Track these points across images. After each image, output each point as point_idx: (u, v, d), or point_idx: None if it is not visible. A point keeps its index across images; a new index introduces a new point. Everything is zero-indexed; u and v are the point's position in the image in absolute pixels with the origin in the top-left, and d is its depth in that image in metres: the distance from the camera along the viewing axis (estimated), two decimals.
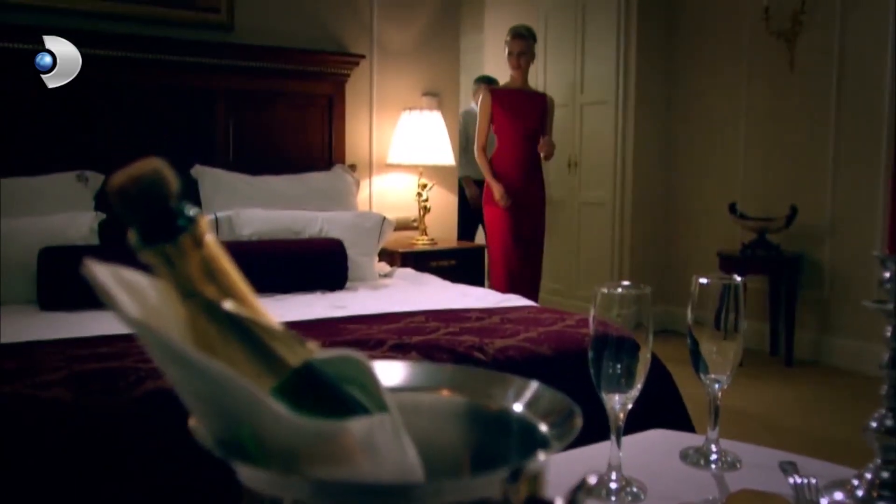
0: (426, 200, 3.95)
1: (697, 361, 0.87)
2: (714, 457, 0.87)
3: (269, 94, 3.71)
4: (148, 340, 0.37)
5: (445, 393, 0.52)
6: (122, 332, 1.94)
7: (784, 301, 4.39)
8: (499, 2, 6.27)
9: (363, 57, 3.96)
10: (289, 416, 0.37)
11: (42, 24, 3.13)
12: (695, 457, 0.88)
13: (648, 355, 0.78)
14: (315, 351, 0.42)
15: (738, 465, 0.86)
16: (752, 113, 4.74)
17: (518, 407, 0.50)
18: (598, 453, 0.83)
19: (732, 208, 4.55)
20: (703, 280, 0.85)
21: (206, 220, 0.42)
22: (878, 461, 0.74)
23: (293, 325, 1.61)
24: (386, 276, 3.31)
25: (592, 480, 0.43)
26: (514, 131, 4.09)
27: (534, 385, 0.51)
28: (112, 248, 2.69)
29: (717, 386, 0.87)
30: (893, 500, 0.73)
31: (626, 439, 0.94)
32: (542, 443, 0.47)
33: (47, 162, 3.12)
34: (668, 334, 5.13)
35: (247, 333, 0.39)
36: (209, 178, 3.30)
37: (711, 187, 4.95)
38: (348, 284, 2.99)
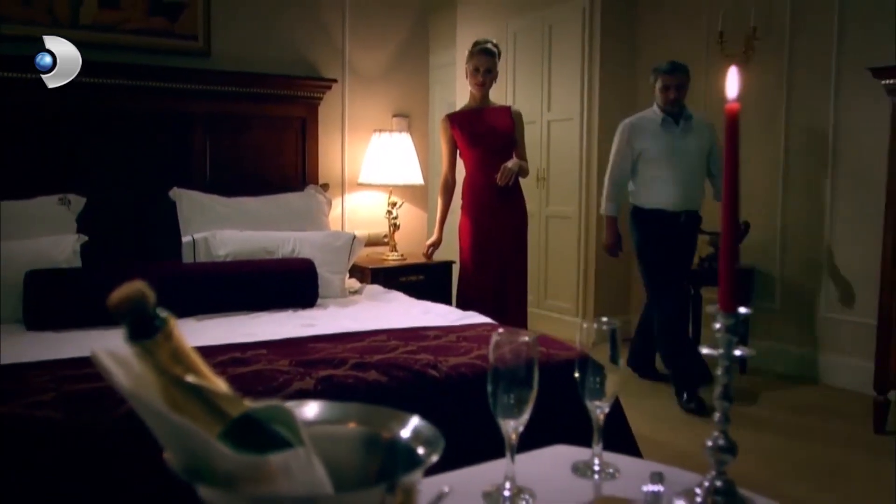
0: (396, 218, 4.14)
1: (584, 389, 1.06)
2: (597, 468, 1.06)
3: (245, 117, 3.88)
4: (135, 402, 0.56)
5: (352, 425, 0.72)
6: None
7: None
8: (470, 20, 6.47)
9: (335, 81, 4.14)
10: (229, 453, 0.55)
11: (23, 54, 3.28)
12: (582, 469, 1.07)
13: (534, 390, 0.97)
14: (250, 404, 0.61)
15: (617, 476, 1.06)
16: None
17: (403, 435, 0.69)
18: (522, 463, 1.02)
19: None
20: (585, 325, 1.05)
21: (174, 320, 0.60)
22: (714, 473, 0.94)
23: (265, 345, 1.83)
24: (355, 292, 3.49)
25: (446, 489, 0.62)
26: (479, 152, 3.87)
27: (415, 419, 0.70)
28: (93, 270, 2.88)
29: (598, 410, 1.06)
30: (726, 502, 0.92)
31: (532, 454, 1.13)
32: (417, 463, 0.66)
33: (30, 186, 3.26)
34: (629, 343, 5.36)
35: (202, 396, 0.58)
36: (186, 200, 3.46)
37: None
38: (319, 301, 3.17)
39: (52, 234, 3.06)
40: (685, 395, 3.89)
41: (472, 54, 3.92)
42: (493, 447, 1.03)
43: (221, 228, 3.34)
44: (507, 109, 4.06)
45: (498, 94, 5.49)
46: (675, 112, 4.01)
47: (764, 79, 4.63)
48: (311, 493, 0.60)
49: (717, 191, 4.13)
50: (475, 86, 3.94)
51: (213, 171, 3.78)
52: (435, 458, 0.65)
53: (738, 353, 0.90)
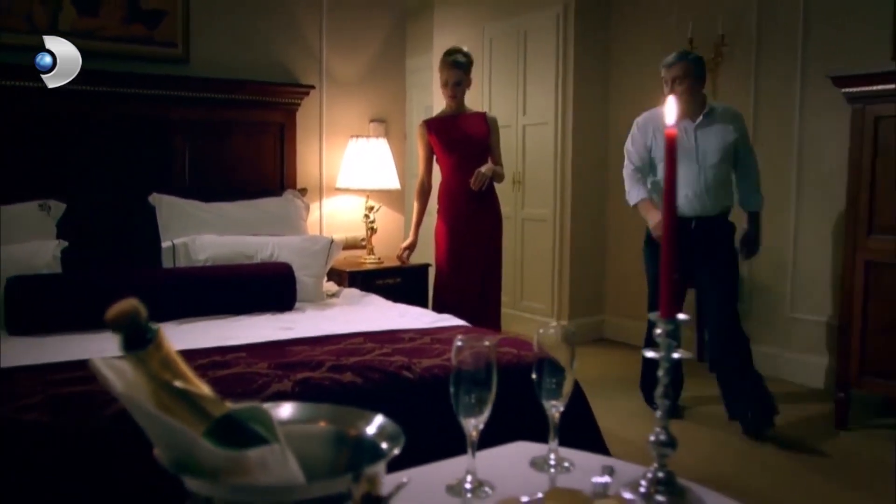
0: (373, 222, 4.21)
1: (540, 390, 1.15)
2: (552, 463, 1.15)
3: (224, 123, 3.94)
4: (129, 405, 0.64)
5: (322, 424, 0.80)
6: (85, 358, 2.19)
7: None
8: (446, 25, 6.56)
9: (313, 87, 4.21)
10: (212, 449, 0.63)
11: (3, 62, 3.32)
12: (539, 463, 1.16)
13: (495, 391, 1.06)
14: (231, 406, 0.68)
15: (571, 469, 1.14)
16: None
17: (369, 432, 0.78)
18: (485, 459, 1.10)
19: None
20: (541, 330, 1.14)
21: (163, 333, 0.68)
22: (656, 465, 1.03)
23: (244, 348, 1.91)
24: (333, 295, 3.56)
25: (405, 480, 0.71)
26: (455, 158, 3.92)
27: (380, 417, 0.78)
28: (74, 276, 2.93)
29: (554, 409, 1.15)
30: (666, 493, 1.01)
31: (494, 450, 1.22)
32: (380, 456, 0.74)
33: (10, 192, 3.29)
34: (604, 343, 5.48)
35: (188, 399, 0.66)
36: (166, 205, 3.51)
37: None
38: (297, 305, 3.23)
39: (32, 240, 3.09)
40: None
41: (442, 66, 3.97)
42: (463, 444, 1.11)
43: (201, 233, 3.40)
44: (482, 116, 4.10)
45: (474, 99, 5.59)
46: (688, 109, 3.58)
47: (732, 84, 4.75)
48: (285, 483, 0.68)
49: (740, 196, 3.74)
50: (447, 97, 4.01)
51: (192, 177, 3.83)
52: (397, 452, 0.73)
53: (676, 355, 0.99)
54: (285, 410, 0.80)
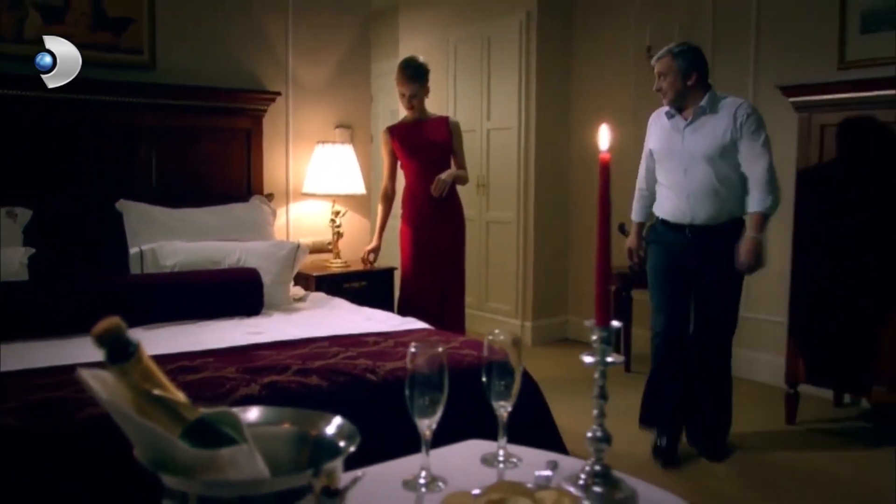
0: (339, 226, 4.29)
1: (489, 391, 1.24)
2: (501, 459, 1.25)
3: (190, 129, 3.98)
4: (112, 411, 0.72)
5: (287, 426, 0.88)
6: (54, 364, 2.23)
7: None
8: (411, 31, 6.64)
9: (279, 94, 4.27)
10: (187, 449, 0.71)
11: None
12: (489, 459, 1.26)
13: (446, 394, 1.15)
14: (204, 411, 0.77)
15: (519, 465, 1.24)
16: (639, 141, 5.23)
17: (328, 432, 0.87)
18: (433, 458, 1.19)
19: (622, 228, 5.01)
20: (490, 336, 1.23)
21: (143, 347, 0.76)
22: (592, 459, 1.13)
23: (212, 353, 1.99)
24: (300, 300, 3.62)
25: (359, 474, 0.80)
26: (418, 164, 3.98)
27: (338, 419, 0.87)
28: (43, 283, 2.96)
29: (502, 410, 1.25)
30: (602, 485, 1.11)
31: (449, 447, 1.31)
32: (338, 453, 0.83)
33: None
34: (567, 342, 5.61)
35: (166, 405, 0.74)
36: (133, 211, 3.55)
37: None
38: (264, 310, 3.30)
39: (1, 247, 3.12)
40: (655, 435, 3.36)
41: (398, 78, 4.01)
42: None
43: (168, 239, 3.44)
44: (444, 120, 4.12)
45: (439, 104, 5.68)
46: (678, 105, 3.28)
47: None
48: (253, 478, 0.77)
49: (745, 200, 3.26)
50: (405, 108, 4.06)
51: (159, 183, 3.87)
52: (352, 449, 0.82)
53: (609, 359, 1.09)
54: (252, 413, 0.88)
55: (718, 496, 3.04)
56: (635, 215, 3.60)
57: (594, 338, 1.10)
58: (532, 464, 1.25)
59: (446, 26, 6.27)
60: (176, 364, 2.27)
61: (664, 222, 3.38)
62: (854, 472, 3.26)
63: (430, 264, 4.01)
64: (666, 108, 3.35)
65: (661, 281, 3.40)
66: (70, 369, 2.11)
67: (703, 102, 3.23)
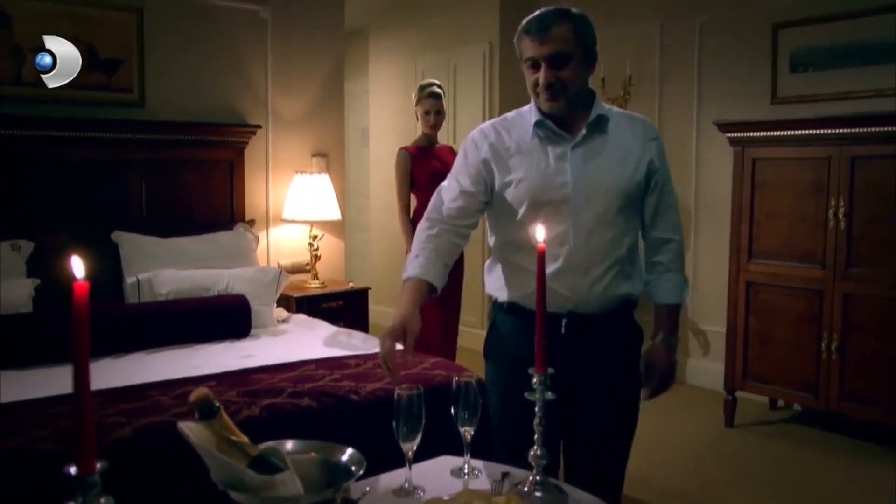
0: (317, 249, 4.62)
1: (456, 418, 1.60)
2: (466, 471, 1.61)
3: (178, 162, 4.28)
4: (201, 450, 1.06)
5: (313, 454, 1.24)
6: (71, 392, 2.53)
7: None
8: (381, 55, 6.99)
9: (259, 126, 4.59)
10: (254, 476, 1.06)
11: None
12: (457, 472, 1.61)
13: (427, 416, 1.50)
14: (260, 448, 1.12)
15: (479, 476, 1.60)
16: None
17: (343, 459, 1.22)
18: (417, 470, 1.55)
19: None
20: (456, 378, 1.59)
21: (222, 408, 1.10)
22: (534, 471, 1.49)
23: (213, 377, 2.36)
24: (283, 321, 3.95)
25: (367, 489, 1.15)
26: (433, 188, 4.19)
27: (350, 449, 1.23)
28: (50, 313, 3.25)
29: (467, 434, 1.60)
30: (542, 490, 1.47)
31: (427, 462, 1.67)
32: (351, 475, 1.18)
33: None
34: None
35: (238, 446, 1.09)
36: (127, 242, 3.84)
37: None
38: (252, 332, 3.62)
39: (6, 279, 3.39)
40: None
41: (420, 98, 4.24)
42: (400, 454, 1.54)
43: (160, 268, 3.74)
44: (450, 148, 4.37)
45: (408, 126, 6.03)
46: (561, 113, 1.94)
47: None
48: (294, 494, 1.12)
49: (652, 275, 2.06)
50: (428, 127, 4.25)
51: (149, 213, 4.16)
52: (361, 472, 1.18)
53: (548, 396, 1.45)
54: (289, 445, 1.23)
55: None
56: (416, 270, 1.94)
57: (534, 381, 1.46)
58: (489, 474, 1.61)
59: (414, 53, 6.62)
60: (183, 388, 2.59)
61: (514, 308, 2.00)
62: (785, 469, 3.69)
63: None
64: (534, 116, 1.97)
65: (513, 414, 1.90)
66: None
67: (602, 111, 1.96)
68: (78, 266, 0.90)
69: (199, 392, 1.08)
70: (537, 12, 1.91)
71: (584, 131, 1.92)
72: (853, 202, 3.73)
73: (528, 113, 2.01)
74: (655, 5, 5.19)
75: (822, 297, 3.86)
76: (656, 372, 2.03)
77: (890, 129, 3.61)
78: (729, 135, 4.21)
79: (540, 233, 1.46)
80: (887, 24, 4.08)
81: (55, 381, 2.78)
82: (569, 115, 1.93)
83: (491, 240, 2.10)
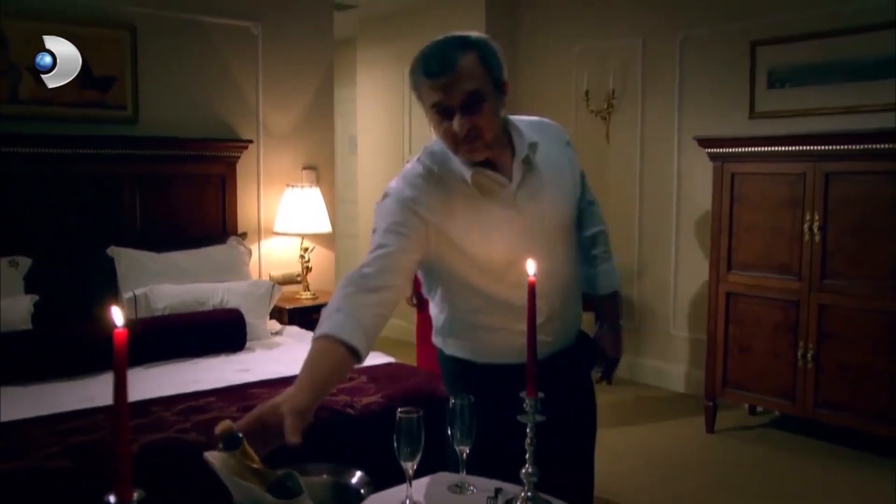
0: (308, 261, 4.71)
1: (452, 438, 1.71)
2: (460, 487, 1.72)
3: (171, 176, 4.37)
4: (225, 478, 1.16)
5: (325, 477, 1.34)
6: (76, 409, 2.61)
7: None
8: (369, 63, 7.08)
9: (251, 141, 4.68)
10: (275, 501, 1.17)
11: None
12: (454, 488, 1.72)
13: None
14: (278, 473, 1.22)
15: (475, 491, 1.71)
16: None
17: (353, 480, 1.33)
18: (416, 486, 1.65)
19: None
20: (453, 400, 1.70)
21: (245, 440, 1.21)
22: (526, 486, 1.60)
23: (212, 393, 2.47)
24: (277, 333, 4.05)
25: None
26: None
27: (359, 472, 1.33)
28: (51, 331, 3.33)
29: (462, 451, 1.71)
30: None
31: (425, 478, 1.78)
32: (361, 497, 1.29)
33: None
34: None
35: (259, 473, 1.19)
36: (123, 257, 3.92)
37: None
38: (247, 345, 3.71)
39: (5, 296, 3.46)
40: None
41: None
42: (394, 464, 1.64)
43: (155, 283, 3.82)
44: None
45: (395, 135, 6.13)
46: (485, 157, 1.75)
47: (623, 132, 5.45)
48: None
49: (590, 272, 2.04)
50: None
51: (143, 228, 4.24)
52: (370, 494, 1.28)
53: (539, 418, 1.57)
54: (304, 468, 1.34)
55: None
56: (332, 328, 1.72)
57: (525, 405, 1.57)
58: (483, 490, 1.72)
59: (401, 65, 6.69)
60: (185, 404, 2.69)
61: (487, 369, 1.90)
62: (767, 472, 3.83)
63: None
64: (467, 168, 1.74)
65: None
66: (92, 412, 2.52)
67: (528, 136, 1.82)
68: (118, 315, 0.91)
69: (223, 425, 1.19)
70: (431, 44, 1.68)
71: (521, 169, 1.76)
72: (827, 216, 3.88)
73: (454, 161, 1.74)
74: (638, 21, 5.33)
75: (799, 307, 4.00)
76: (606, 357, 2.06)
77: (862, 146, 3.76)
78: (708, 150, 4.35)
79: (531, 266, 1.56)
80: (862, 43, 4.23)
81: (59, 397, 2.87)
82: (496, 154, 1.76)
83: (437, 307, 1.92)
